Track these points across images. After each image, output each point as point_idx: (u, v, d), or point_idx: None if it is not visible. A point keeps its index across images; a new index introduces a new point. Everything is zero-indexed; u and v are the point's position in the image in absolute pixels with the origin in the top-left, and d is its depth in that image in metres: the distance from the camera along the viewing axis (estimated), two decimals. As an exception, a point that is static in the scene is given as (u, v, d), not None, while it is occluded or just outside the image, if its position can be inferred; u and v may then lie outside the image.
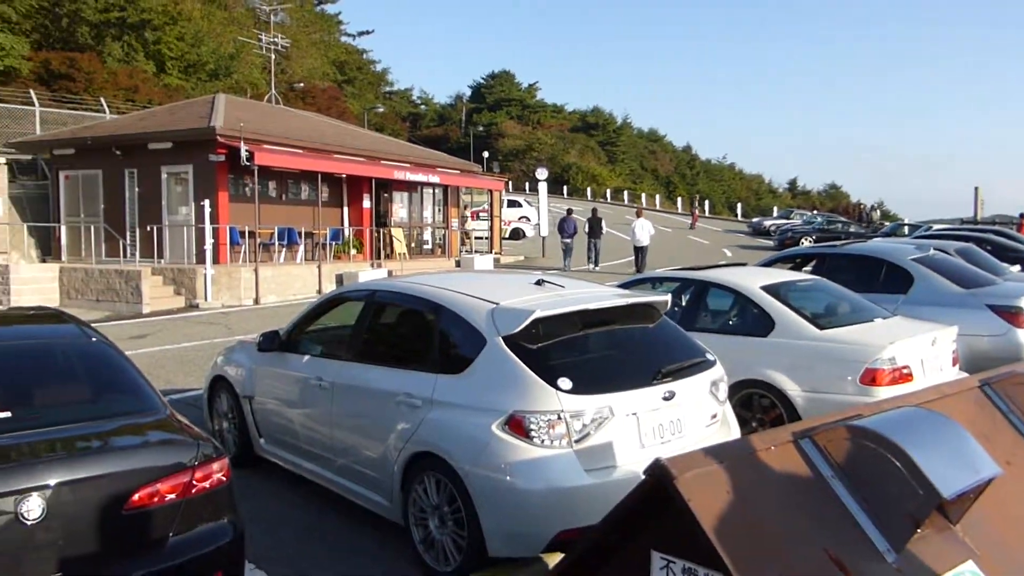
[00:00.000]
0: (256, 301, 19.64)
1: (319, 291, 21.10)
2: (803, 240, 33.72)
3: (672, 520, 2.14)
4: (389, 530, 5.32)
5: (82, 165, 22.53)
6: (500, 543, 4.46)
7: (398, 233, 26.30)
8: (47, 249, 23.15)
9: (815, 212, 55.79)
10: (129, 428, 4.05)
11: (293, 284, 21.05)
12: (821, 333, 6.74)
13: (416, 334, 5.63)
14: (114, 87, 35.75)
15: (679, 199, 70.99)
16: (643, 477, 2.21)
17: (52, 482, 3.39)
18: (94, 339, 4.71)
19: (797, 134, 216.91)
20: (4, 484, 3.32)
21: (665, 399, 4.77)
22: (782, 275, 8.23)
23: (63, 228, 22.63)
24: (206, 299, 19.06)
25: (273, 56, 41.19)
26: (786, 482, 2.28)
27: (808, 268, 10.48)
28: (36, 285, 19.01)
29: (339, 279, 20.94)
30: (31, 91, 27.87)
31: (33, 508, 3.31)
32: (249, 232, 20.94)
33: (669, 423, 4.80)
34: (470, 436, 4.56)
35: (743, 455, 2.28)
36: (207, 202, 19.57)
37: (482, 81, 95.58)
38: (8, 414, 3.87)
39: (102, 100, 30.12)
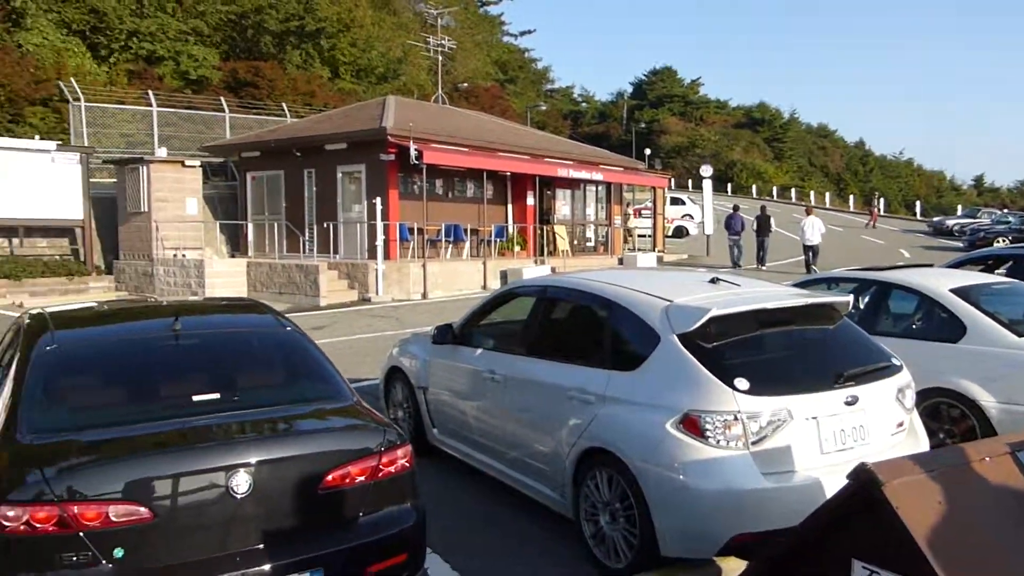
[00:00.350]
0: (424, 296, 20.32)
1: (484, 287, 21.59)
2: (997, 240, 31.06)
3: (876, 528, 2.05)
4: (560, 522, 5.37)
5: (266, 166, 24.10)
6: (673, 543, 4.41)
7: (561, 230, 26.48)
8: (235, 245, 24.94)
9: (1005, 211, 51.48)
10: (322, 413, 4.29)
11: (459, 279, 21.65)
12: (1020, 341, 6.25)
13: (588, 330, 5.63)
14: (293, 92, 37.95)
15: (851, 197, 67.51)
16: (846, 481, 2.13)
17: (256, 460, 3.63)
18: (288, 328, 5.03)
19: (984, 127, 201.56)
20: (216, 460, 3.60)
21: (847, 404, 4.58)
22: (974, 277, 7.71)
23: (250, 225, 24.28)
24: (377, 293, 19.91)
25: (440, 58, 42.41)
26: (1004, 495, 2.13)
27: (1002, 271, 9.75)
28: (227, 278, 20.55)
29: (503, 275, 21.34)
30: (221, 98, 30.09)
31: (241, 483, 3.56)
32: (417, 229, 21.69)
33: (852, 429, 4.60)
34: (643, 433, 4.53)
35: (955, 465, 2.15)
36: (378, 200, 20.42)
37: (643, 78, 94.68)
38: (216, 396, 4.20)
39: (283, 105, 32.03)
